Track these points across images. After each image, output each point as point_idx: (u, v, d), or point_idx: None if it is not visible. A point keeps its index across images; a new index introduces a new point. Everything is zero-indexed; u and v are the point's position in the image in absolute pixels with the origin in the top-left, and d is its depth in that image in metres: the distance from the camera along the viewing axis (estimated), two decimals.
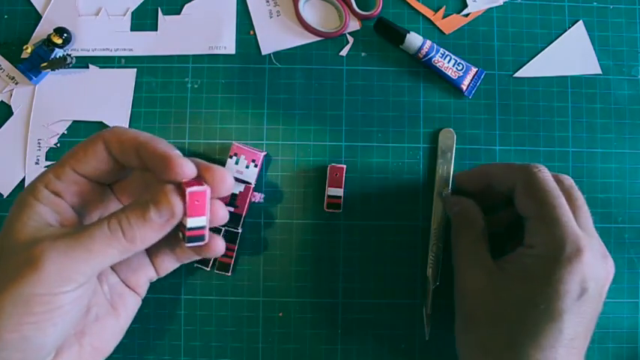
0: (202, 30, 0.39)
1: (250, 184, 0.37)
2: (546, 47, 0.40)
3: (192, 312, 0.38)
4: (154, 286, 0.32)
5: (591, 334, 0.28)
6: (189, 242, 0.26)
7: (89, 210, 0.28)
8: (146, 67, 0.39)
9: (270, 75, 0.39)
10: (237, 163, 0.36)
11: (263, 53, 0.39)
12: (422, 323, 0.38)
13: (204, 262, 0.37)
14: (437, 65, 0.38)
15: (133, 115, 0.39)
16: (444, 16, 0.40)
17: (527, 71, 0.40)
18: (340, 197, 0.37)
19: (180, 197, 0.24)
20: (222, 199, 0.28)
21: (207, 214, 0.25)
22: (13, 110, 0.38)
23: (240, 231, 0.37)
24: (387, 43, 0.39)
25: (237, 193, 0.37)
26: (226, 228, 0.37)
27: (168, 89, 0.39)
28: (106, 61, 0.39)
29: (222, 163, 0.37)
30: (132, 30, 0.39)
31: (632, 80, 0.40)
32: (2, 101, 0.39)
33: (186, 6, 0.39)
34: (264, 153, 0.38)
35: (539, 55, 0.40)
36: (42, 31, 0.39)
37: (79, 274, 0.23)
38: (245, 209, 0.37)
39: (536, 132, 0.39)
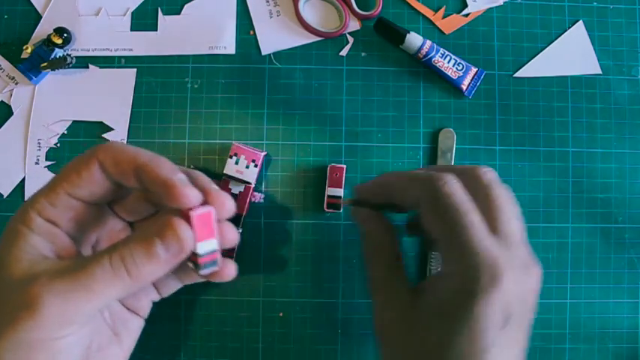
0: (202, 30, 0.39)
1: (250, 184, 0.37)
2: (546, 47, 0.40)
3: (192, 312, 0.38)
4: None
5: (525, 343, 0.25)
6: (203, 269, 0.24)
7: (86, 233, 0.26)
8: (146, 67, 0.39)
9: (270, 75, 0.39)
10: (237, 163, 0.36)
11: (263, 53, 0.39)
12: None
13: None
14: (437, 65, 0.38)
15: (133, 115, 0.39)
16: (444, 16, 0.40)
17: (527, 71, 0.40)
18: (340, 197, 0.37)
19: (188, 225, 0.22)
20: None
21: (216, 236, 0.23)
22: (13, 110, 0.38)
23: (240, 231, 0.37)
24: (387, 43, 0.39)
25: (237, 193, 0.37)
26: None
27: (168, 89, 0.39)
28: (106, 61, 0.39)
29: (222, 163, 0.37)
30: (132, 30, 0.39)
31: (632, 80, 0.40)
32: (2, 101, 0.39)
33: (186, 6, 0.39)
34: (264, 153, 0.38)
35: (539, 55, 0.40)
36: (42, 31, 0.39)
37: (80, 316, 0.22)
38: (245, 209, 0.37)
39: (536, 132, 0.39)
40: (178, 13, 0.39)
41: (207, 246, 0.23)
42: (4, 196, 0.38)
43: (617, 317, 0.38)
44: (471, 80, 0.39)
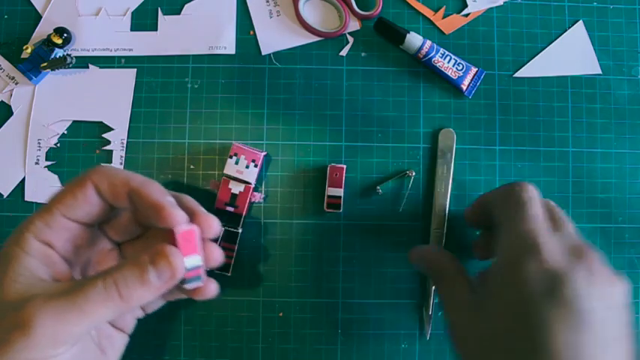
0: (202, 30, 0.39)
1: (250, 184, 0.37)
2: (546, 47, 0.40)
3: (191, 312, 0.38)
4: None
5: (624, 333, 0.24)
6: (188, 283, 0.26)
7: (79, 254, 0.27)
8: (146, 67, 0.39)
9: (270, 75, 0.39)
10: (237, 163, 0.36)
11: (263, 53, 0.39)
12: (422, 323, 0.38)
13: None
14: (437, 65, 0.38)
15: (133, 115, 0.39)
16: (444, 16, 0.40)
17: (527, 71, 0.40)
18: (340, 197, 0.37)
19: (180, 253, 0.25)
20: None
21: (200, 253, 0.26)
22: (13, 110, 0.38)
23: (240, 231, 0.37)
24: (387, 43, 0.39)
25: (237, 193, 0.37)
26: (226, 228, 0.37)
27: (168, 89, 0.39)
28: (106, 61, 0.39)
29: (222, 163, 0.37)
30: (132, 30, 0.39)
31: (632, 80, 0.40)
32: (2, 101, 0.39)
33: (186, 6, 0.39)
34: (264, 153, 0.38)
35: (539, 55, 0.40)
36: (42, 31, 0.39)
37: (72, 336, 0.23)
38: (245, 209, 0.37)
39: (536, 132, 0.39)
40: (178, 13, 0.39)
41: (191, 261, 0.25)
42: (4, 196, 0.38)
43: None
44: (471, 80, 0.39)
